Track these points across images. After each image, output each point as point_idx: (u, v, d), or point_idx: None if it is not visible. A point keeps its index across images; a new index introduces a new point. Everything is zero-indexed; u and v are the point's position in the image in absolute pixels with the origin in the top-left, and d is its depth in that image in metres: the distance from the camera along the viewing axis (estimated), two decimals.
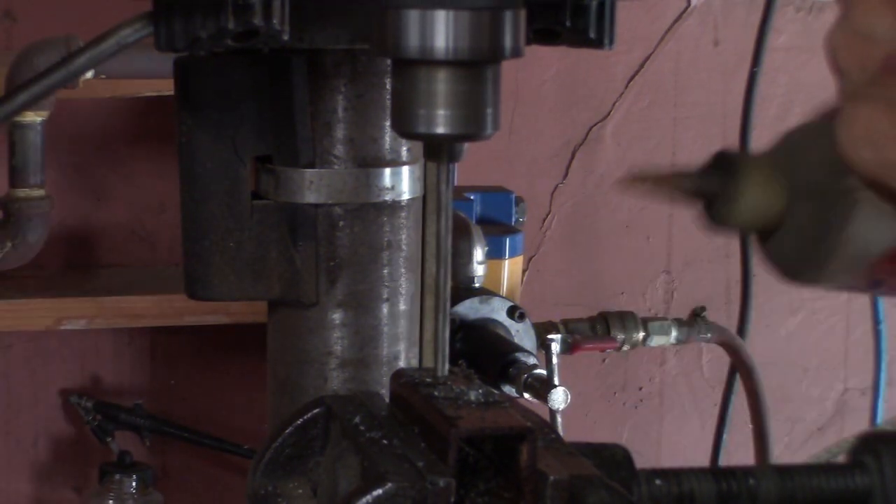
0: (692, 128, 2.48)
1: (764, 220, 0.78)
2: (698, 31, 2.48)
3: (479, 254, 1.77)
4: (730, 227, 0.80)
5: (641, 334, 1.96)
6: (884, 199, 0.69)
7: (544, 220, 2.48)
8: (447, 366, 0.81)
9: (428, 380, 0.80)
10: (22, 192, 2.01)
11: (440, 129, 0.79)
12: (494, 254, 1.85)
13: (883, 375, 2.19)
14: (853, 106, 0.66)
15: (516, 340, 1.71)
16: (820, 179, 0.74)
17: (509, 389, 1.65)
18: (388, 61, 0.98)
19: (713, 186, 0.78)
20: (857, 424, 2.62)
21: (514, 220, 2.00)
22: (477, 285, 1.77)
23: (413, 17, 0.78)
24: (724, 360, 2.23)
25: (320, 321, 1.07)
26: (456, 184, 1.98)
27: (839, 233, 0.74)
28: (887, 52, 0.64)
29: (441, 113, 0.79)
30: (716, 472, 0.78)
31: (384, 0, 0.79)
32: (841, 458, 0.82)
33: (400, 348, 1.09)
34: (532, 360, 1.66)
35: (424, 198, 1.11)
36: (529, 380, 1.64)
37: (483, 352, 1.66)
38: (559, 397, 1.65)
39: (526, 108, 2.44)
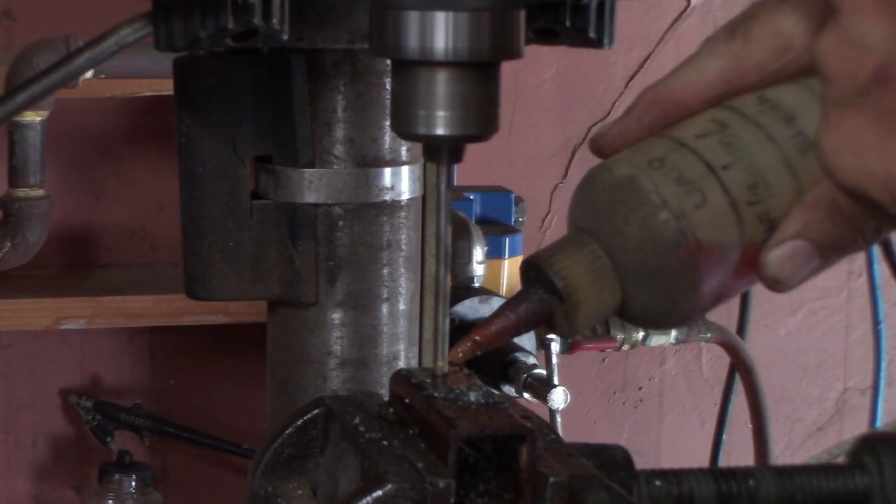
0: None
1: (609, 315, 0.77)
2: (698, 31, 2.48)
3: (478, 254, 1.77)
4: (578, 333, 0.78)
5: (641, 334, 1.96)
6: (861, 208, 0.69)
7: (544, 220, 2.48)
8: (447, 366, 0.81)
9: (428, 380, 0.80)
10: (22, 192, 2.01)
11: (440, 131, 0.79)
12: (494, 254, 1.85)
13: (883, 375, 2.19)
14: (839, 113, 0.65)
15: (516, 340, 1.71)
16: (646, 261, 0.73)
17: (509, 389, 1.65)
18: (388, 61, 0.98)
19: (546, 309, 0.76)
20: (856, 424, 2.62)
21: (513, 219, 2.00)
22: (477, 285, 1.77)
23: (412, 18, 0.78)
24: (724, 359, 2.22)
25: (320, 321, 1.07)
26: (455, 183, 1.98)
27: (691, 300, 0.74)
28: (879, 62, 0.63)
29: (440, 114, 0.79)
30: (716, 472, 0.78)
31: (383, 1, 0.79)
32: (841, 460, 0.82)
33: (399, 348, 1.09)
34: (532, 360, 1.66)
35: (424, 198, 1.11)
36: (529, 380, 1.64)
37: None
38: (559, 397, 1.65)
39: (526, 108, 2.44)
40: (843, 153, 0.65)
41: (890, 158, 0.63)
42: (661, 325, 0.76)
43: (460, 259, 1.75)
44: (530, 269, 0.76)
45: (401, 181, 1.06)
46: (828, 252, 0.71)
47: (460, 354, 0.77)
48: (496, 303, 1.71)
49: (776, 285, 0.72)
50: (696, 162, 0.73)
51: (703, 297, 0.74)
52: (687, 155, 0.73)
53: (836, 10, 0.64)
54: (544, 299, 0.76)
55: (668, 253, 0.73)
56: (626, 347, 1.97)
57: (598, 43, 0.98)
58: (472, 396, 0.78)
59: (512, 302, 0.77)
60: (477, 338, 0.77)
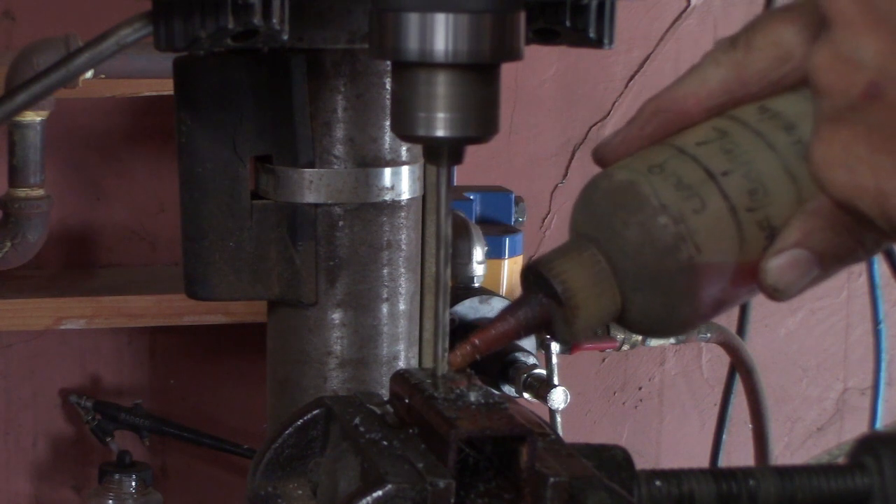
0: None
1: (608, 320, 0.77)
2: (698, 31, 2.48)
3: (478, 254, 1.77)
4: (578, 338, 0.78)
5: None
6: (852, 220, 0.69)
7: (544, 220, 2.48)
8: (447, 366, 0.81)
9: (427, 380, 0.80)
10: (22, 192, 2.01)
11: (440, 132, 0.79)
12: (494, 254, 1.85)
13: (883, 375, 2.19)
14: (831, 127, 0.65)
15: (516, 340, 1.71)
16: (645, 265, 0.73)
17: (509, 389, 1.65)
18: (388, 62, 0.98)
19: (545, 313, 0.76)
20: (856, 424, 2.62)
21: (513, 219, 2.00)
22: (477, 285, 1.77)
23: (413, 19, 0.78)
24: (724, 359, 2.23)
25: (320, 321, 1.07)
26: (455, 183, 1.98)
27: (690, 307, 0.74)
28: (870, 78, 0.63)
29: (441, 116, 0.79)
30: (716, 472, 0.78)
31: (383, 2, 0.79)
32: (841, 460, 0.82)
33: (399, 348, 1.09)
34: (532, 360, 1.66)
35: (424, 198, 1.11)
36: (529, 380, 1.64)
37: None
38: (559, 397, 1.65)
39: (526, 108, 2.44)
40: (835, 167, 0.65)
41: (880, 173, 0.64)
42: (661, 331, 0.76)
43: (460, 259, 1.75)
44: (530, 274, 0.76)
45: (401, 181, 1.06)
46: (828, 262, 0.71)
47: (459, 358, 0.78)
48: (496, 303, 1.71)
49: (776, 294, 0.72)
50: (695, 168, 0.73)
51: (702, 304, 0.74)
52: (687, 161, 0.74)
53: (830, 25, 0.64)
54: (544, 304, 0.76)
55: (666, 257, 0.73)
56: (625, 347, 1.97)
57: (598, 43, 0.99)
58: (473, 397, 0.78)
59: (512, 306, 0.77)
60: (476, 342, 0.77)
